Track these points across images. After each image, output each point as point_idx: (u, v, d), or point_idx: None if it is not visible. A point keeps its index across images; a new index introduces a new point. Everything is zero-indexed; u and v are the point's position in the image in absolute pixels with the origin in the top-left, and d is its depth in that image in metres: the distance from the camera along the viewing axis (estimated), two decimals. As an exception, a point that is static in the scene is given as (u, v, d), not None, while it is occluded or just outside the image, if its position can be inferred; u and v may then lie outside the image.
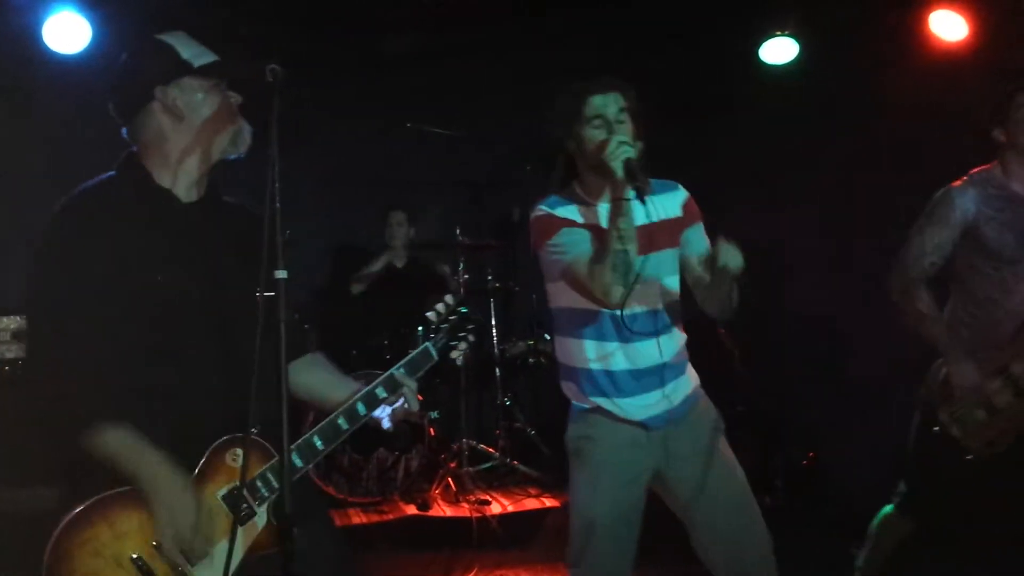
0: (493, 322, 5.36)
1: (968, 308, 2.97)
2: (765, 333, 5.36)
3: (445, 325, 2.11)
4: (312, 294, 5.20)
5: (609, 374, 2.47)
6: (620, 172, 2.27)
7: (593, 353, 2.48)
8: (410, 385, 2.05)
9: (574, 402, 2.57)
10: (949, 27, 4.56)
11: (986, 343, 2.89)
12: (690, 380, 2.57)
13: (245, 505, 1.90)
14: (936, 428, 2.88)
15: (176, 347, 1.94)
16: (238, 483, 1.88)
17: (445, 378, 5.02)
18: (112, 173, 2.04)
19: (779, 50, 5.05)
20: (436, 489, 4.73)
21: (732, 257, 2.29)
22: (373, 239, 5.63)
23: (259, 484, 1.92)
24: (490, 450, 5.07)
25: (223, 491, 1.91)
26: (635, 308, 2.43)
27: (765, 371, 5.01)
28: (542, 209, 2.48)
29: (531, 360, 5.28)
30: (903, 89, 4.63)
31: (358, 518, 4.48)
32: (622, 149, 2.28)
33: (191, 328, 1.96)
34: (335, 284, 5.61)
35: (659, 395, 2.48)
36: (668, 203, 2.53)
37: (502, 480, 4.99)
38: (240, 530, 1.88)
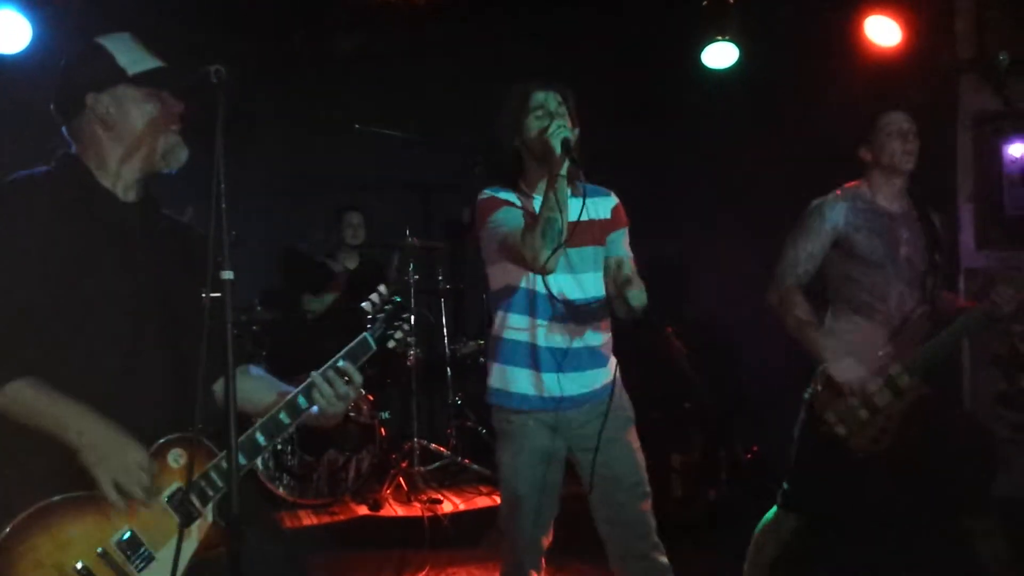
0: (444, 322, 5.39)
1: (848, 315, 3.14)
2: (711, 332, 5.48)
3: (381, 315, 2.13)
4: (260, 296, 5.16)
5: (536, 348, 2.64)
6: (558, 149, 2.45)
7: (524, 325, 2.66)
8: (354, 377, 2.04)
9: (495, 386, 2.72)
10: (883, 32, 4.71)
11: (870, 347, 3.07)
12: (610, 371, 2.73)
13: (190, 506, 1.88)
14: (823, 428, 3.04)
15: (113, 344, 1.91)
16: (180, 486, 1.87)
17: (396, 378, 5.03)
18: (47, 168, 2.00)
19: (720, 55, 5.14)
20: (387, 489, 4.74)
21: (637, 298, 2.53)
22: (321, 241, 5.62)
23: (203, 484, 1.90)
24: (441, 449, 5.09)
25: (167, 493, 1.88)
26: (563, 290, 2.64)
27: (711, 369, 5.11)
28: (486, 192, 2.71)
29: (481, 359, 5.31)
30: (840, 92, 4.77)
31: (309, 519, 4.47)
32: (561, 131, 2.48)
33: (129, 325, 1.93)
34: (283, 288, 5.58)
35: (580, 376, 2.67)
36: (600, 206, 2.75)
37: (453, 479, 5.02)
38: (187, 531, 1.87)
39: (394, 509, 4.58)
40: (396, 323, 2.14)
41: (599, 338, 2.71)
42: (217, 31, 4.92)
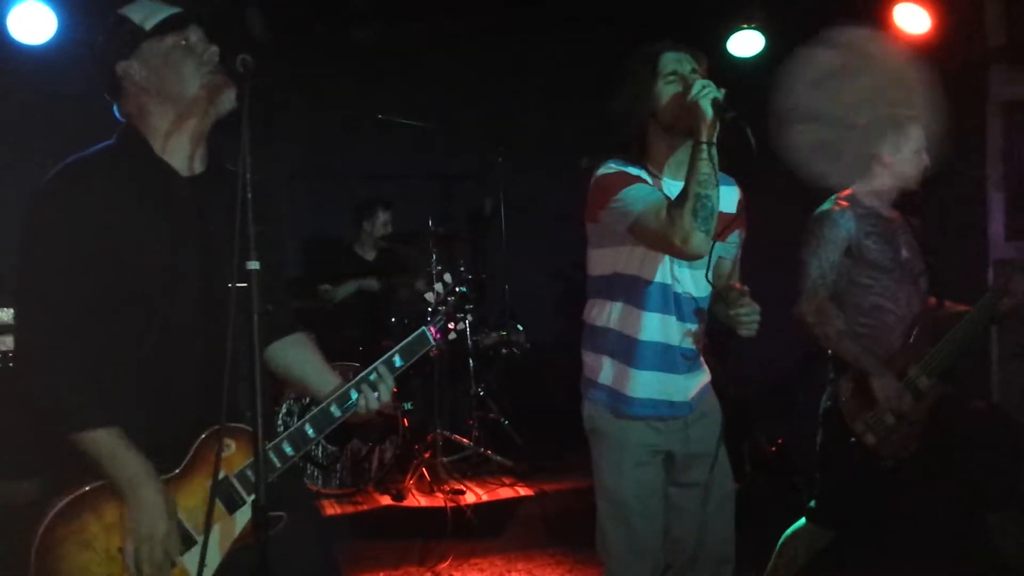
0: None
1: (858, 319, 3.11)
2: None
3: (443, 307, 2.07)
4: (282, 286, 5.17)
5: (667, 348, 2.38)
6: (710, 111, 2.13)
7: (654, 325, 2.37)
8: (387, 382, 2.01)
9: (597, 383, 2.45)
10: (912, 20, 4.65)
11: (884, 347, 3.06)
12: (706, 368, 2.55)
13: (234, 494, 1.89)
14: (852, 439, 3.01)
15: (171, 328, 1.88)
16: (225, 474, 1.88)
17: (418, 369, 5.03)
18: (110, 142, 1.95)
19: (746, 43, 5.10)
20: (410, 479, 4.75)
21: (748, 327, 2.29)
22: (343, 231, 5.63)
23: (249, 473, 1.90)
24: (464, 440, 5.10)
25: (210, 481, 1.86)
26: (688, 287, 2.40)
27: (734, 360, 5.07)
28: (611, 166, 2.35)
29: (504, 351, 5.31)
30: (868, 81, 4.70)
31: (332, 509, 4.48)
32: (708, 89, 2.16)
33: (187, 310, 1.90)
34: (305, 276, 5.60)
35: (695, 376, 2.46)
36: (727, 197, 2.45)
37: (476, 470, 5.02)
38: (231, 518, 1.88)
39: (417, 499, 4.59)
40: (458, 315, 2.07)
41: (701, 336, 2.48)
42: (238, 21, 4.92)
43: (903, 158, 3.13)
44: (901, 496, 3.14)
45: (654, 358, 2.39)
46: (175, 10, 1.94)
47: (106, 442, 1.80)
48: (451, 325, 2.06)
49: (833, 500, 3.12)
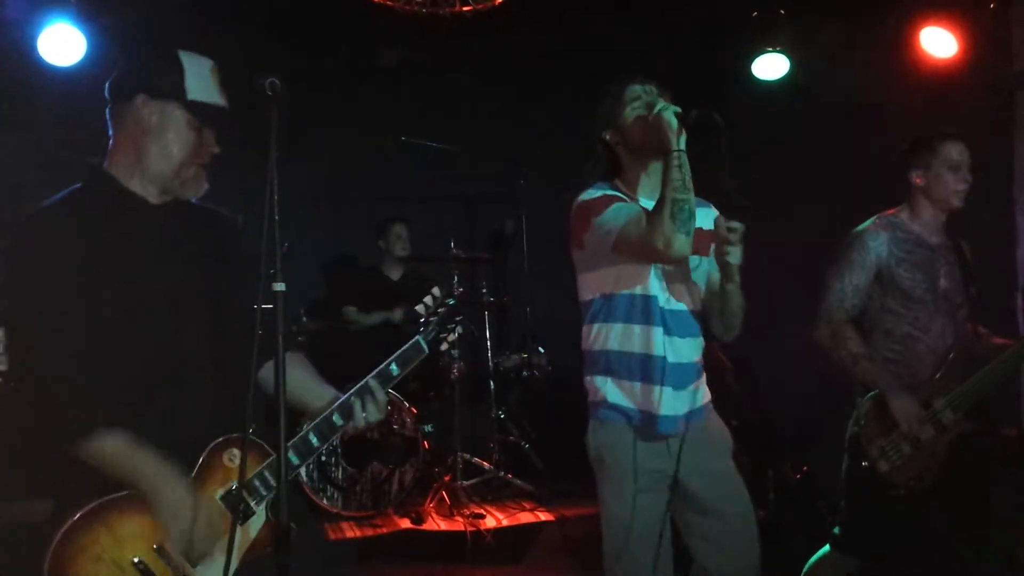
0: (487, 335, 5.37)
1: (888, 345, 3.06)
2: (758, 348, 5.38)
3: (434, 317, 2.14)
4: (305, 307, 5.19)
5: (659, 361, 2.42)
6: (674, 122, 2.29)
7: (642, 339, 2.44)
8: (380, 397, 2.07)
9: (603, 402, 2.49)
10: (939, 44, 4.63)
11: (911, 377, 3.00)
12: (706, 390, 2.58)
13: (243, 504, 1.91)
14: (865, 464, 2.96)
15: (159, 350, 1.93)
16: (236, 483, 1.90)
17: (439, 391, 5.02)
18: (77, 185, 2.02)
19: (771, 66, 5.09)
20: (430, 503, 4.71)
21: (733, 253, 2.39)
22: (366, 253, 5.64)
23: (257, 483, 1.94)
24: (484, 464, 5.06)
25: (221, 492, 1.92)
26: (678, 304, 2.47)
27: (758, 386, 5.02)
28: (591, 193, 2.49)
29: (525, 373, 5.28)
30: (894, 105, 4.68)
31: (352, 532, 4.46)
32: (670, 107, 2.33)
33: (171, 329, 1.95)
34: (329, 298, 5.62)
35: (690, 393, 2.49)
36: (704, 217, 2.55)
37: (496, 494, 4.98)
38: (240, 529, 1.89)
39: (437, 523, 4.56)
40: (449, 326, 2.15)
41: (700, 352, 2.55)
42: (263, 43, 4.98)
43: (935, 176, 3.04)
44: (929, 527, 3.07)
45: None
46: (220, 104, 2.01)
47: (115, 445, 1.83)
48: (443, 335, 2.14)
49: (857, 527, 3.06)
